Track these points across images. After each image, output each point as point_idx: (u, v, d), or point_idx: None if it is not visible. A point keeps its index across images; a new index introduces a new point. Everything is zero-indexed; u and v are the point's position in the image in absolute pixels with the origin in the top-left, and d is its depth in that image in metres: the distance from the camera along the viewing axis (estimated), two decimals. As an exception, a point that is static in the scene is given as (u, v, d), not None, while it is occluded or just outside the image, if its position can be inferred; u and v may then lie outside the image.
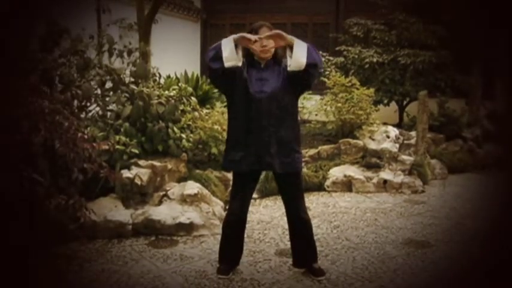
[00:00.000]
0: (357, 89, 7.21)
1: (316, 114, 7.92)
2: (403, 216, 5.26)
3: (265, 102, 3.39)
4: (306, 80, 3.37)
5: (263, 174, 5.25)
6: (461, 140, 7.88)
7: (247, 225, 3.83)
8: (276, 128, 3.43)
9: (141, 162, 4.95)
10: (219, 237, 4.39)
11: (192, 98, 5.76)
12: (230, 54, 3.28)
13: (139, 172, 4.83)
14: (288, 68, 3.34)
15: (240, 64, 3.35)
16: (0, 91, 3.33)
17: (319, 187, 6.34)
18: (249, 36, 3.33)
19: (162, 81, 6.68)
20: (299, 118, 3.65)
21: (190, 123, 5.60)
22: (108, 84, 5.37)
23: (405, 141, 7.15)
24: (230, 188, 3.92)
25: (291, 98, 3.50)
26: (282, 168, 3.48)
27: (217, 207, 4.94)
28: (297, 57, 3.28)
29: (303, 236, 3.71)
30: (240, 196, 3.65)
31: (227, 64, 3.28)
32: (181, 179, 5.24)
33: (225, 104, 8.27)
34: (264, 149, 3.43)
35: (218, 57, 3.30)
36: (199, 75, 9.81)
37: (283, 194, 3.72)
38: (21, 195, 2.95)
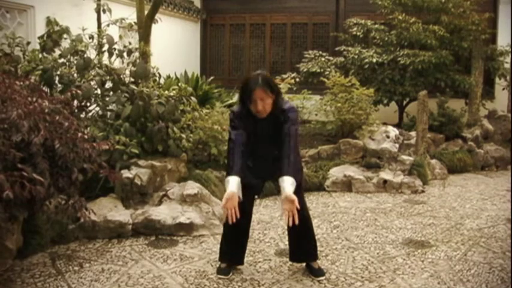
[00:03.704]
0: (357, 89, 7.21)
1: (316, 114, 7.92)
2: (403, 216, 5.26)
3: (264, 148, 3.54)
4: None
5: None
6: (461, 140, 7.87)
7: (247, 225, 3.84)
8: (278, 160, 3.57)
9: (141, 162, 4.95)
10: (219, 237, 4.39)
11: (192, 98, 5.76)
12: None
13: (139, 172, 4.83)
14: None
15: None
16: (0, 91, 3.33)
17: (319, 187, 6.34)
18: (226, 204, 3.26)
19: (162, 81, 6.68)
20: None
21: (190, 123, 5.60)
22: (108, 84, 5.37)
23: (405, 141, 7.15)
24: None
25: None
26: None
27: (217, 207, 4.93)
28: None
29: (302, 232, 3.71)
30: (242, 194, 3.66)
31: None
32: (181, 179, 5.24)
33: (225, 103, 8.29)
34: (268, 178, 3.73)
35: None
36: (199, 75, 9.82)
37: None
38: (21, 195, 2.94)
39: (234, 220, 3.24)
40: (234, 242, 3.76)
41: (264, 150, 3.56)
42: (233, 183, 3.31)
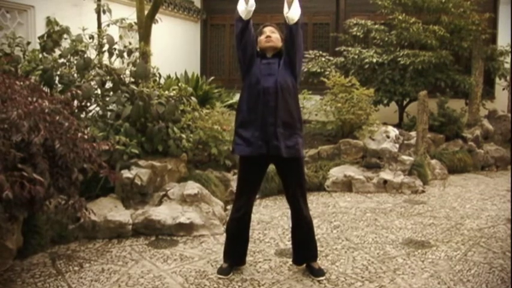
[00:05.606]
0: (357, 89, 7.21)
1: (316, 114, 7.91)
2: (403, 216, 5.26)
3: (272, 83, 3.55)
4: (294, 35, 3.56)
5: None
6: (461, 140, 7.88)
7: (247, 225, 3.83)
8: (282, 108, 3.55)
9: (141, 162, 4.95)
10: (219, 237, 4.40)
11: (192, 98, 5.76)
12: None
13: (139, 172, 4.83)
14: (286, 15, 3.51)
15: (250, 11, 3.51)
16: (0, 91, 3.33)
17: (319, 187, 6.34)
18: None
19: (162, 81, 6.67)
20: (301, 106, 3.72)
21: (190, 123, 5.60)
22: (108, 84, 5.37)
23: (405, 141, 7.15)
24: (233, 188, 3.91)
25: (292, 79, 3.63)
26: (287, 152, 3.54)
27: (217, 207, 4.94)
28: (295, 9, 3.51)
29: (305, 233, 3.72)
30: (246, 192, 3.68)
31: (246, 11, 3.50)
32: (181, 179, 5.24)
33: (225, 104, 8.29)
34: (270, 129, 3.53)
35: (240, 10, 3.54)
36: (199, 75, 9.81)
37: (287, 186, 3.71)
38: (21, 195, 2.94)
39: None
40: (235, 241, 3.76)
41: (270, 96, 3.54)
42: None
